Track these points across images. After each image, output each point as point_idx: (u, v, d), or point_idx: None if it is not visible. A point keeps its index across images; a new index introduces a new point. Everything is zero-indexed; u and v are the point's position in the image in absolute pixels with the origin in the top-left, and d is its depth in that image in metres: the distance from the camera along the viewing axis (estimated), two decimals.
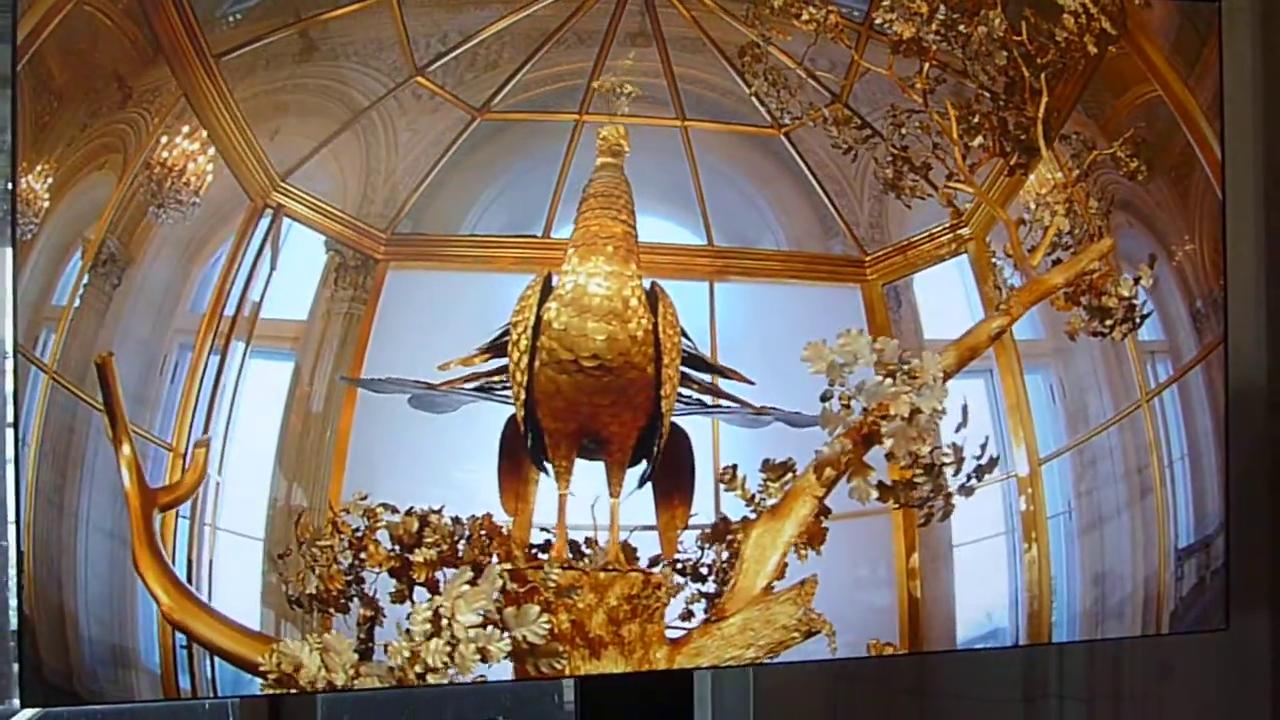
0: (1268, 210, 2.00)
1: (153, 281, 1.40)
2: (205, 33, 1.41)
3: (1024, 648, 1.79)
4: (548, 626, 1.37)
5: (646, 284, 1.46)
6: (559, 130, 1.51)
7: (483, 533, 1.40)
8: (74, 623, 1.35)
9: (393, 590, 1.39)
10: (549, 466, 1.47)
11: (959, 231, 1.61)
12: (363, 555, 1.39)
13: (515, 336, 1.43)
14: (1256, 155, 1.99)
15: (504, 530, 1.42)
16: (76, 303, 1.36)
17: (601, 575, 1.44)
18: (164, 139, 1.40)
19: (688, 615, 1.47)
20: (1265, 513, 2.00)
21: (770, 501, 1.49)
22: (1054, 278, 1.60)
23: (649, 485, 1.49)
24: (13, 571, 1.35)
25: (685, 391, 1.47)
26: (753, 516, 1.50)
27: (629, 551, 1.46)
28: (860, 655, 1.53)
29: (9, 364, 1.34)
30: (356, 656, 1.35)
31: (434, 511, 1.40)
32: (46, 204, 1.35)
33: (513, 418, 1.46)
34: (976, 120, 1.58)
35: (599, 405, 1.43)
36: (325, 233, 1.46)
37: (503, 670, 1.37)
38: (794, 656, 1.47)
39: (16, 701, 1.37)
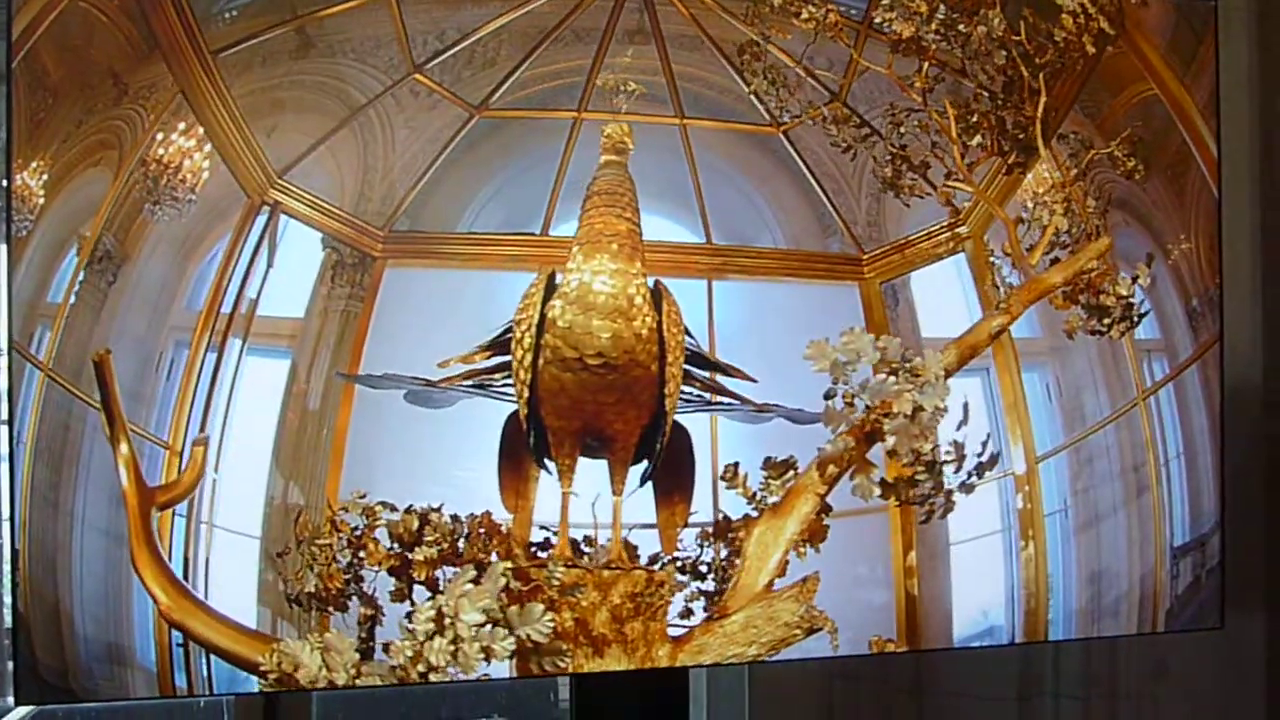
0: (1263, 209, 2.00)
1: (148, 279, 1.40)
2: (202, 29, 1.40)
3: (1020, 645, 1.79)
4: (552, 625, 1.37)
5: (650, 282, 1.46)
6: (557, 128, 1.51)
7: (481, 531, 1.40)
8: (69, 620, 1.34)
9: (392, 589, 1.39)
10: (551, 465, 1.47)
11: (956, 230, 1.61)
12: (362, 554, 1.39)
13: (519, 334, 1.43)
14: (1252, 154, 2.00)
15: (503, 528, 1.42)
16: (72, 300, 1.36)
17: (605, 573, 1.44)
18: (160, 136, 1.39)
19: (687, 613, 1.48)
20: (1260, 511, 2.00)
21: (772, 499, 1.50)
22: (1053, 276, 1.60)
23: (648, 483, 1.49)
24: (7, 569, 1.34)
25: (687, 389, 1.48)
26: (754, 514, 1.50)
27: (630, 549, 1.46)
28: (859, 653, 1.54)
29: (3, 361, 1.33)
30: (358, 656, 1.34)
31: (434, 510, 1.40)
32: (41, 200, 1.34)
33: (514, 414, 1.46)
34: (975, 119, 1.58)
35: (603, 403, 1.43)
36: (322, 230, 1.46)
37: (499, 667, 1.37)
38: (796, 654, 1.47)
39: (11, 699, 1.36)
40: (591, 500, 1.46)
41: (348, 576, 1.38)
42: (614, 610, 1.43)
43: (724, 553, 1.49)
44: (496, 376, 1.46)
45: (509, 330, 1.45)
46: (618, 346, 1.42)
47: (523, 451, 1.47)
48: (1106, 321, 1.62)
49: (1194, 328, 1.69)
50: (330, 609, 1.38)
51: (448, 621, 1.33)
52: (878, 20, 1.56)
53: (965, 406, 1.53)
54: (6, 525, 1.32)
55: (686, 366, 1.46)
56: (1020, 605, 1.63)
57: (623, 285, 1.43)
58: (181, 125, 1.40)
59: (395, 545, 1.39)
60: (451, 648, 1.32)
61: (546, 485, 1.47)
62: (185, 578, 1.37)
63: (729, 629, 1.46)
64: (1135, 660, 2.00)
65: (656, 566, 1.47)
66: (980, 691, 1.99)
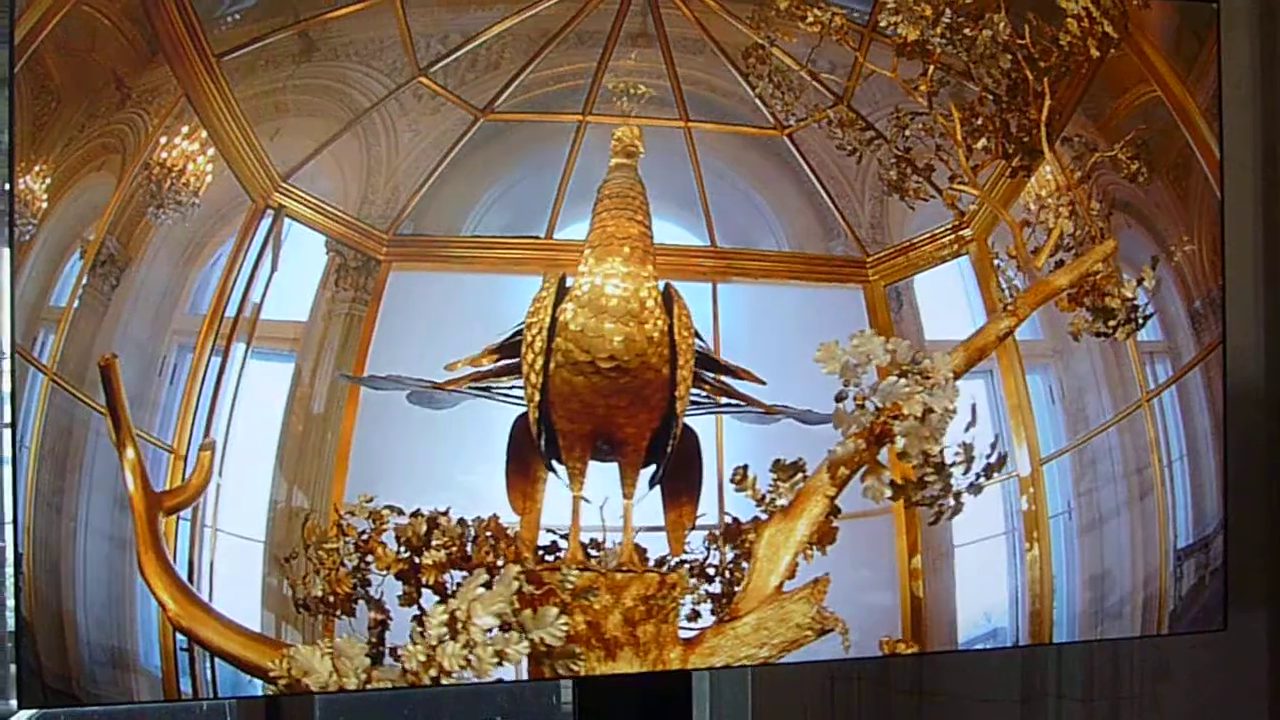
0: (1266, 210, 2.01)
1: (152, 282, 1.40)
2: (205, 32, 1.40)
3: (1024, 648, 1.79)
4: (565, 628, 1.37)
5: (661, 285, 1.46)
6: (561, 131, 1.51)
7: (488, 534, 1.40)
8: (72, 624, 1.34)
9: (400, 593, 1.39)
10: (560, 468, 1.46)
11: (960, 233, 1.61)
12: (369, 558, 1.38)
13: (530, 338, 1.43)
14: (1255, 155, 2.00)
15: (510, 532, 1.42)
16: (75, 304, 1.36)
17: (618, 576, 1.44)
18: (163, 139, 1.39)
19: (694, 616, 1.48)
20: (1264, 513, 2.01)
21: (781, 501, 1.50)
22: (1059, 279, 1.60)
23: (656, 486, 1.50)
24: (10, 573, 1.34)
25: (695, 391, 1.47)
26: (763, 516, 1.50)
27: (639, 552, 1.46)
28: (866, 655, 1.54)
29: (6, 365, 1.33)
30: (369, 661, 1.34)
31: (442, 513, 1.40)
32: (45, 204, 1.34)
33: (522, 416, 1.46)
34: (980, 122, 1.59)
35: (615, 407, 1.43)
36: (326, 233, 1.46)
37: (504, 670, 1.36)
38: (805, 655, 1.47)
39: (14, 702, 1.36)
40: (600, 503, 1.46)
41: (355, 581, 1.38)
42: (627, 613, 1.43)
43: (730, 555, 1.49)
44: (505, 380, 1.46)
45: (517, 334, 1.45)
46: (630, 349, 1.42)
47: (530, 453, 1.46)
48: (1112, 324, 1.63)
49: (1197, 329, 1.70)
50: (338, 613, 1.38)
51: (460, 626, 1.33)
52: (882, 24, 1.56)
53: (974, 408, 1.54)
54: (10, 529, 1.32)
55: (695, 369, 1.46)
56: (1025, 607, 1.63)
57: (635, 288, 1.43)
58: (185, 129, 1.40)
59: (403, 549, 1.39)
60: (465, 652, 1.32)
61: (553, 488, 1.47)
62: (190, 582, 1.37)
63: (740, 631, 1.46)
64: (1137, 662, 2.00)
65: (665, 569, 1.47)
66: (983, 694, 1.99)
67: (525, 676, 1.39)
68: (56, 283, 1.36)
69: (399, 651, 1.35)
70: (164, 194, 1.39)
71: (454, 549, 1.39)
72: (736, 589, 1.48)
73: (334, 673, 1.33)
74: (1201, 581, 1.69)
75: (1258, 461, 1.99)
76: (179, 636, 1.36)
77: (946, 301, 1.63)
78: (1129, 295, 1.62)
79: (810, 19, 1.54)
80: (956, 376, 1.51)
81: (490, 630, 1.33)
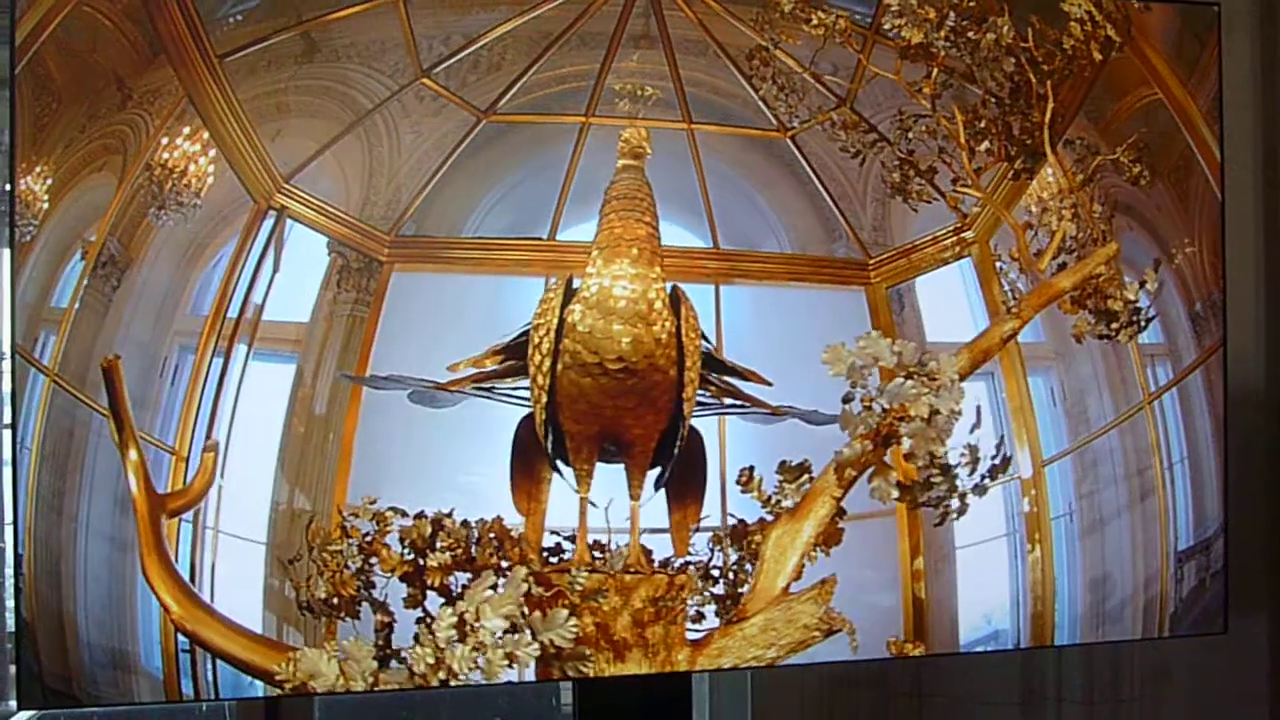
0: (1266, 213, 2.01)
1: (153, 283, 1.40)
2: (207, 33, 1.40)
3: (1025, 650, 1.79)
4: (575, 630, 1.37)
5: (668, 287, 1.46)
6: (564, 132, 1.50)
7: (492, 536, 1.40)
8: (73, 626, 1.34)
9: (405, 596, 1.39)
10: (566, 470, 1.46)
11: (962, 235, 1.61)
12: (373, 560, 1.38)
13: (537, 339, 1.43)
14: (1255, 158, 2.01)
15: (514, 534, 1.42)
16: (77, 305, 1.35)
17: (627, 578, 1.44)
18: (165, 140, 1.39)
19: (699, 617, 1.48)
20: (1264, 515, 2.01)
21: (787, 503, 1.50)
22: (1062, 281, 1.61)
23: (661, 488, 1.50)
24: (10, 574, 1.34)
25: (701, 392, 1.47)
26: (769, 518, 1.50)
27: (645, 554, 1.46)
28: (872, 657, 1.53)
29: (6, 366, 1.33)
30: (376, 664, 1.34)
31: (446, 515, 1.40)
32: (46, 205, 1.34)
33: (527, 418, 1.46)
34: (983, 125, 1.59)
35: (622, 408, 1.43)
36: (328, 234, 1.46)
37: (511, 672, 1.36)
38: (811, 657, 1.48)
39: (13, 703, 1.36)
40: (605, 505, 1.46)
41: (359, 583, 1.38)
42: (635, 615, 1.43)
43: (734, 556, 1.49)
44: (506, 380, 1.46)
45: (523, 335, 1.44)
46: (638, 351, 1.42)
47: (535, 455, 1.46)
48: (1114, 326, 1.63)
49: (1198, 332, 1.70)
50: (342, 615, 1.38)
51: (469, 628, 1.33)
52: (886, 26, 1.56)
53: (978, 410, 1.54)
54: (10, 530, 1.32)
55: (701, 370, 1.46)
56: (1026, 609, 1.63)
57: (642, 290, 1.43)
58: (186, 129, 1.40)
59: (408, 551, 1.39)
60: (475, 654, 1.32)
61: (557, 489, 1.47)
62: (191, 583, 1.37)
63: (748, 632, 1.46)
64: (1137, 664, 2.00)
65: (671, 570, 1.47)
66: (983, 696, 1.98)
67: (528, 678, 1.39)
68: (57, 284, 1.36)
69: (404, 654, 1.35)
70: (166, 195, 1.39)
71: (459, 551, 1.39)
72: (741, 590, 1.48)
73: (341, 676, 1.33)
74: (1202, 584, 1.69)
75: (1258, 464, 2.00)
76: (180, 638, 1.36)
77: (948, 304, 1.63)
78: (1131, 298, 1.62)
79: (814, 21, 1.54)
80: (962, 378, 1.51)
81: (507, 631, 1.33)
